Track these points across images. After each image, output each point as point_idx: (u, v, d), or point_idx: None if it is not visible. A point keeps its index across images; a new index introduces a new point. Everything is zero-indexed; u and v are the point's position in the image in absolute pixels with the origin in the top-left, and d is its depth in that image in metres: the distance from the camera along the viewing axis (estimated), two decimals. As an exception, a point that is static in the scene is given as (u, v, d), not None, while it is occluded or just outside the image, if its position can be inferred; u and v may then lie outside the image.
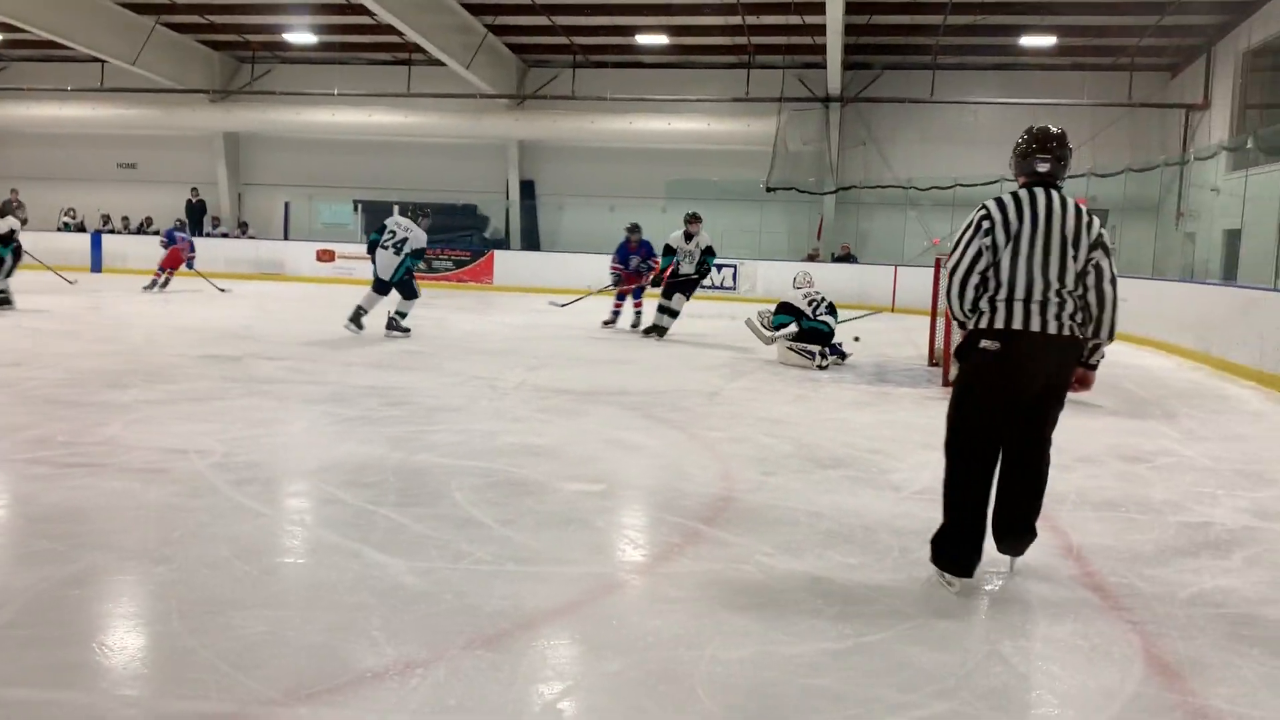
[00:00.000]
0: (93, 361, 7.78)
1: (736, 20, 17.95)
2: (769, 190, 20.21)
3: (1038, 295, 3.22)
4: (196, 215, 23.08)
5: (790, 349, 9.31)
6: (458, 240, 21.36)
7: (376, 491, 4.25)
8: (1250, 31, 15.90)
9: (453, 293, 18.72)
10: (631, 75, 21.63)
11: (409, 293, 10.48)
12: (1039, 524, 3.48)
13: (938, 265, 9.52)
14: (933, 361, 9.58)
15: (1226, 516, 4.40)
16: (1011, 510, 3.41)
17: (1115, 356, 11.14)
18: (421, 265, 9.18)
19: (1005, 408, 3.30)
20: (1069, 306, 3.24)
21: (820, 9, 15.78)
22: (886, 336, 12.04)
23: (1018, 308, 3.22)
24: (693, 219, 11.60)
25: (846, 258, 19.82)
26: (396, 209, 10.68)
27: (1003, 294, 3.25)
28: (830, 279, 18.58)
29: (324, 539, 3.65)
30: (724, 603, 3.11)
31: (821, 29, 16.89)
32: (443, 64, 19.31)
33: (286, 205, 23.50)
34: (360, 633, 2.77)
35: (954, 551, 3.33)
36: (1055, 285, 3.23)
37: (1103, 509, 4.45)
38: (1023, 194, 3.34)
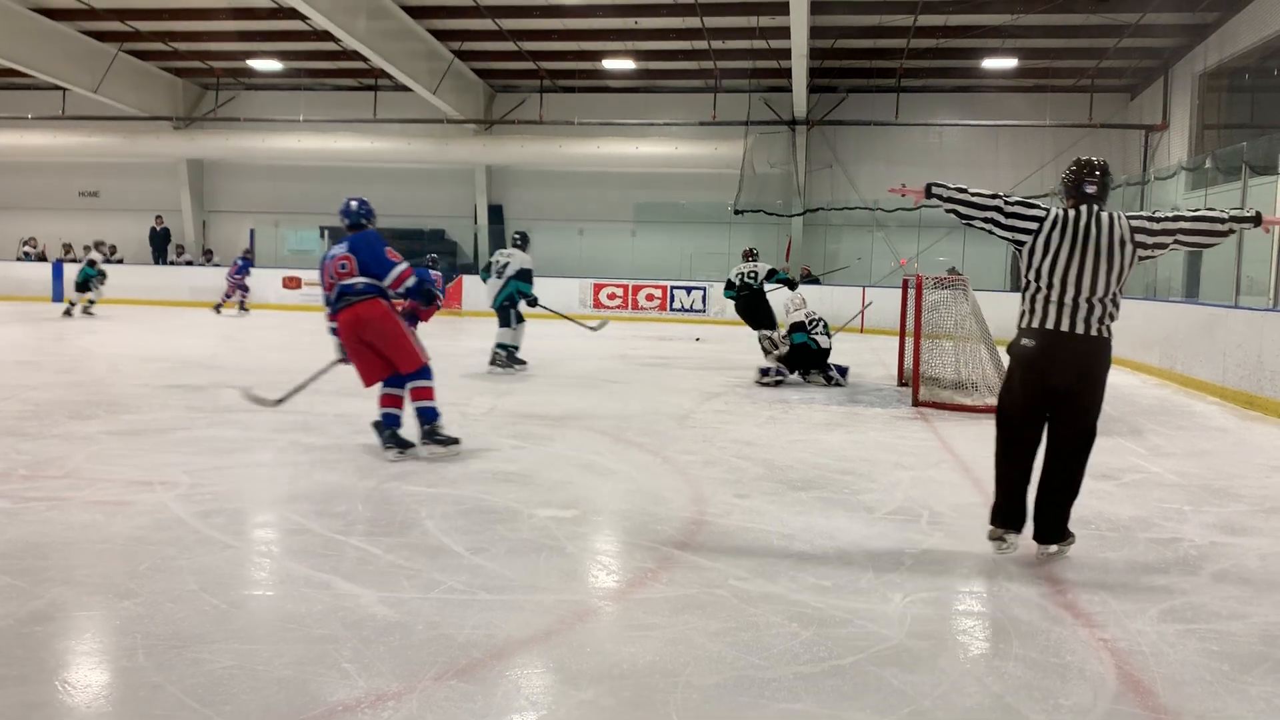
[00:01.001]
0: (55, 392, 7.66)
1: (702, 45, 18.10)
2: (737, 213, 20.33)
3: (1069, 301, 3.77)
4: (160, 243, 22.88)
5: (766, 348, 9.80)
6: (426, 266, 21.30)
7: (346, 521, 4.20)
8: (1206, 54, 16.23)
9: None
10: (599, 100, 21.74)
11: (505, 320, 10.19)
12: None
13: (905, 286, 9.61)
14: (902, 382, 9.63)
15: (1194, 532, 4.44)
16: (1046, 498, 3.93)
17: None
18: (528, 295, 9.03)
19: (1042, 395, 3.89)
20: (1098, 311, 3.79)
21: (785, 33, 15.96)
22: (856, 357, 12.09)
23: (1052, 310, 3.79)
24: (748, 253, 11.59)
25: (808, 279, 19.97)
26: (515, 238, 10.67)
27: (1041, 297, 3.82)
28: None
29: (293, 570, 3.60)
30: (698, 628, 3.10)
31: (787, 53, 17.07)
32: (409, 89, 19.31)
33: (252, 232, 23.35)
34: (331, 665, 2.73)
35: (1003, 514, 3.94)
36: (1086, 294, 3.77)
37: (1074, 526, 4.46)
38: (1070, 214, 3.89)
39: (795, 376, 9.67)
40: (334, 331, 5.81)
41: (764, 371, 9.59)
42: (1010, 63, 18.36)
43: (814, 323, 9.71)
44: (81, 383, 8.29)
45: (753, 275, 10.94)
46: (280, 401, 6.09)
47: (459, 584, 3.44)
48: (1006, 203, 3.94)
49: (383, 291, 5.67)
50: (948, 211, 4.08)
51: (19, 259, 22.24)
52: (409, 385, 5.77)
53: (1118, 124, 19.61)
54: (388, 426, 5.75)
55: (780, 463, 5.75)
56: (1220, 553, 4.13)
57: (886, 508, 4.73)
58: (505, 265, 10.28)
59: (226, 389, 8.09)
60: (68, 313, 16.13)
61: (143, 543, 3.81)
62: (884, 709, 2.58)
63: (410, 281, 5.72)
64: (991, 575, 3.77)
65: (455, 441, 5.72)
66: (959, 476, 5.50)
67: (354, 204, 5.98)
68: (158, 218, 23.00)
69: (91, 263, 16.75)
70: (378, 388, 5.84)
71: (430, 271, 8.08)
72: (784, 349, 9.71)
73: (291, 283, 20.60)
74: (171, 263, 22.56)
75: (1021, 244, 3.90)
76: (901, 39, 17.45)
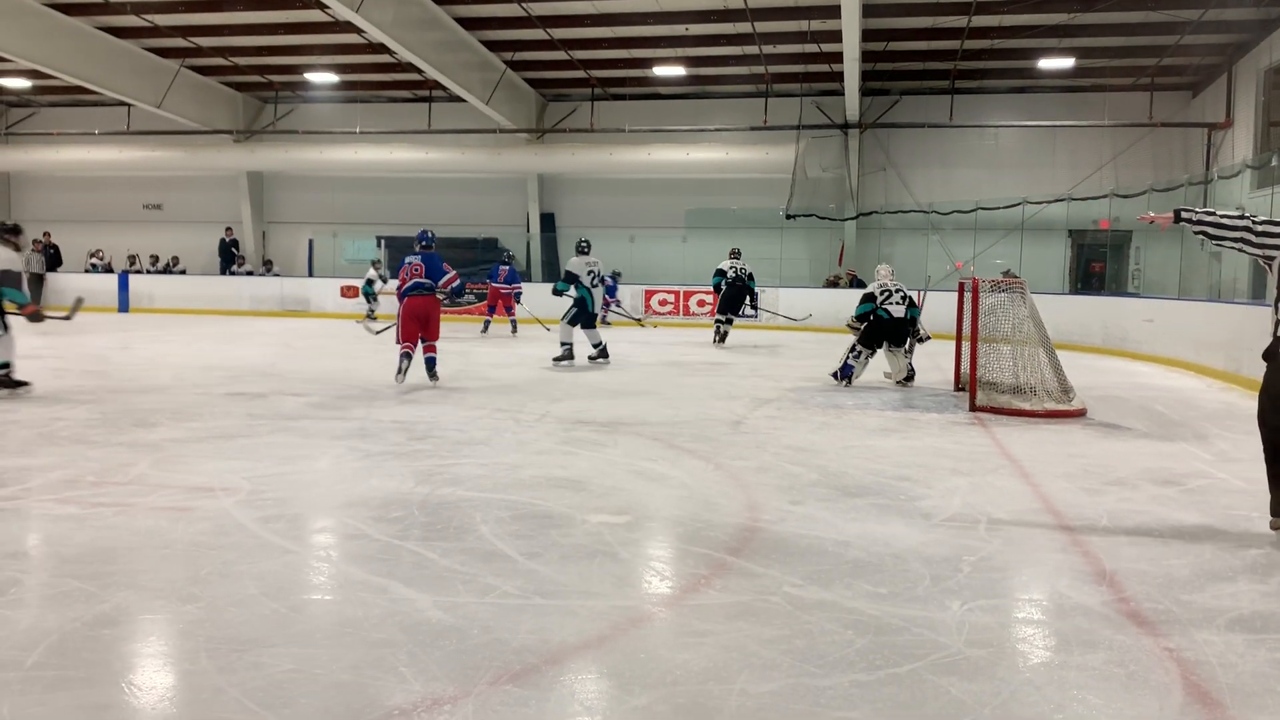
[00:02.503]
0: (120, 401, 7.85)
1: (753, 50, 18.06)
2: (789, 217, 20.23)
3: None
4: (228, 254, 23.38)
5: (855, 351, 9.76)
6: (480, 274, 21.48)
7: (402, 526, 4.25)
8: (1271, 49, 15.83)
9: (475, 325, 18.78)
10: (649, 106, 21.78)
11: (593, 321, 11.45)
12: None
13: (961, 290, 9.49)
14: (958, 386, 9.51)
15: (1263, 540, 4.32)
16: None
17: (1145, 379, 11.09)
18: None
19: None
20: None
21: (837, 37, 15.86)
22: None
23: None
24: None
25: (854, 282, 19.82)
26: (581, 244, 11.68)
27: None
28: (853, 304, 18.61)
29: (350, 575, 3.65)
30: (752, 635, 3.08)
31: (838, 56, 16.97)
32: (462, 100, 19.52)
33: (310, 242, 23.73)
34: (388, 669, 2.76)
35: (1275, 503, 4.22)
36: None
37: (1136, 533, 4.39)
38: None
39: (878, 357, 9.83)
40: (400, 300, 9.32)
41: (835, 374, 9.71)
42: (1067, 62, 18.06)
43: (887, 293, 9.72)
44: (146, 390, 8.48)
45: (746, 273, 14.42)
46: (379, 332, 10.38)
47: (513, 589, 3.46)
48: (1255, 222, 4.19)
49: (435, 289, 9.34)
50: (1196, 234, 4.31)
51: (87, 270, 22.85)
52: (428, 343, 9.31)
53: (1180, 122, 19.19)
54: (429, 366, 9.28)
55: (834, 468, 5.70)
56: (1291, 561, 4.01)
57: (943, 514, 4.67)
58: (599, 273, 11.46)
59: (287, 397, 8.24)
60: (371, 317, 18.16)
61: (205, 548, 3.89)
62: (942, 718, 2.54)
63: (455, 284, 9.44)
64: (1052, 583, 3.70)
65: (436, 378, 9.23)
66: (1017, 483, 5.41)
67: (428, 233, 9.62)
68: (227, 229, 23.50)
69: (370, 281, 18.93)
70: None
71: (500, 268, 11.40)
72: (857, 332, 9.82)
73: (350, 292, 20.88)
74: (233, 273, 23.01)
75: (1272, 259, 4.16)
76: (955, 40, 17.26)
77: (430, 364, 9.22)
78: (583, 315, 11.23)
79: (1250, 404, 8.98)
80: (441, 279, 9.24)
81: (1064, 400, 8.20)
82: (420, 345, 9.22)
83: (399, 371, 9.04)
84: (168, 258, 23.36)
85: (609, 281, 11.41)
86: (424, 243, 9.41)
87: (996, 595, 3.56)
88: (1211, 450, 6.59)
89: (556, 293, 11.32)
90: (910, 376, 9.91)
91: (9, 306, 8.03)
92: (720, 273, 14.66)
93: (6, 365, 8.10)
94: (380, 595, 3.37)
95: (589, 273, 11.28)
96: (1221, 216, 4.24)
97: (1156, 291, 16.97)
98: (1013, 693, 2.71)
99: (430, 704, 2.55)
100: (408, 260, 9.33)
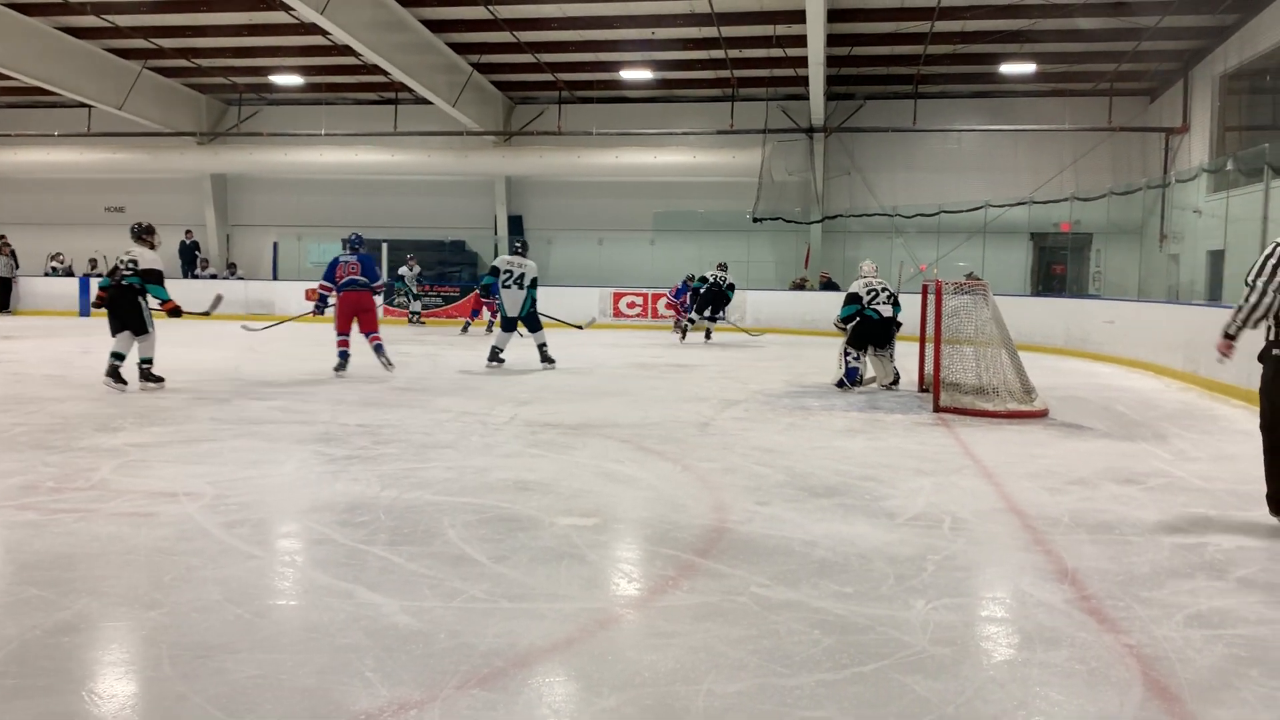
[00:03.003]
0: (81, 405, 7.75)
1: (719, 54, 18.14)
2: (755, 220, 20.34)
3: None
4: (190, 257, 23.10)
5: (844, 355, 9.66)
6: (447, 277, 21.41)
7: (368, 531, 4.22)
8: (1226, 56, 16.12)
9: (443, 328, 18.72)
10: (617, 110, 21.81)
11: (536, 326, 11.02)
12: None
13: (924, 292, 9.57)
14: (923, 388, 9.59)
15: (1220, 537, 4.40)
16: None
17: (1106, 379, 11.24)
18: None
19: None
20: None
21: (802, 42, 15.98)
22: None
23: None
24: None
25: (828, 285, 19.94)
26: (516, 245, 11.35)
27: None
28: (817, 306, 18.74)
29: (316, 580, 3.62)
30: (720, 635, 3.10)
31: (803, 61, 17.09)
32: (429, 102, 19.45)
33: (275, 245, 23.54)
34: (354, 674, 2.75)
35: (1274, 498, 4.53)
36: None
37: (1097, 531, 4.45)
38: None
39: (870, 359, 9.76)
40: (330, 297, 10.47)
41: (840, 383, 9.59)
42: (1028, 67, 18.29)
43: (874, 293, 9.63)
44: (108, 395, 8.37)
45: (726, 283, 16.01)
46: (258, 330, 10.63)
47: (481, 593, 3.45)
48: (1253, 280, 4.47)
49: (370, 287, 10.31)
50: (1256, 324, 4.55)
51: (47, 274, 22.49)
52: (371, 336, 10.25)
53: (1138, 127, 19.49)
54: (379, 353, 10.19)
55: (801, 469, 5.74)
56: (1247, 557, 4.09)
57: (908, 514, 4.71)
58: (522, 275, 10.75)
59: (251, 401, 8.17)
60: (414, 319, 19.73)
61: (168, 553, 3.85)
62: (907, 716, 2.57)
63: (380, 285, 10.53)
64: (1015, 581, 3.75)
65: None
66: (981, 482, 5.47)
67: (359, 236, 10.61)
68: (187, 231, 23.23)
69: (400, 277, 19.72)
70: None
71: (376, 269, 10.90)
72: (845, 333, 9.75)
73: (315, 295, 20.68)
74: (196, 276, 22.76)
75: None
76: (919, 45, 17.43)
77: (379, 350, 10.14)
78: (503, 318, 10.90)
79: (1208, 404, 9.16)
80: (375, 281, 10.37)
81: (1026, 401, 8.30)
82: (366, 339, 10.21)
83: (338, 366, 10.01)
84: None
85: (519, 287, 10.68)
86: (356, 244, 10.40)
87: (960, 594, 3.60)
88: (1170, 450, 6.69)
89: (483, 289, 11.13)
90: (896, 380, 9.83)
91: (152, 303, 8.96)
92: (704, 279, 16.18)
93: (149, 361, 8.87)
94: (346, 600, 3.35)
95: (505, 272, 10.81)
96: (1249, 301, 4.47)
97: (1117, 293, 17.23)
98: (976, 690, 2.74)
99: (396, 709, 2.54)
100: (343, 259, 10.25)
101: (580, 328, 12.55)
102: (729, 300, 16.28)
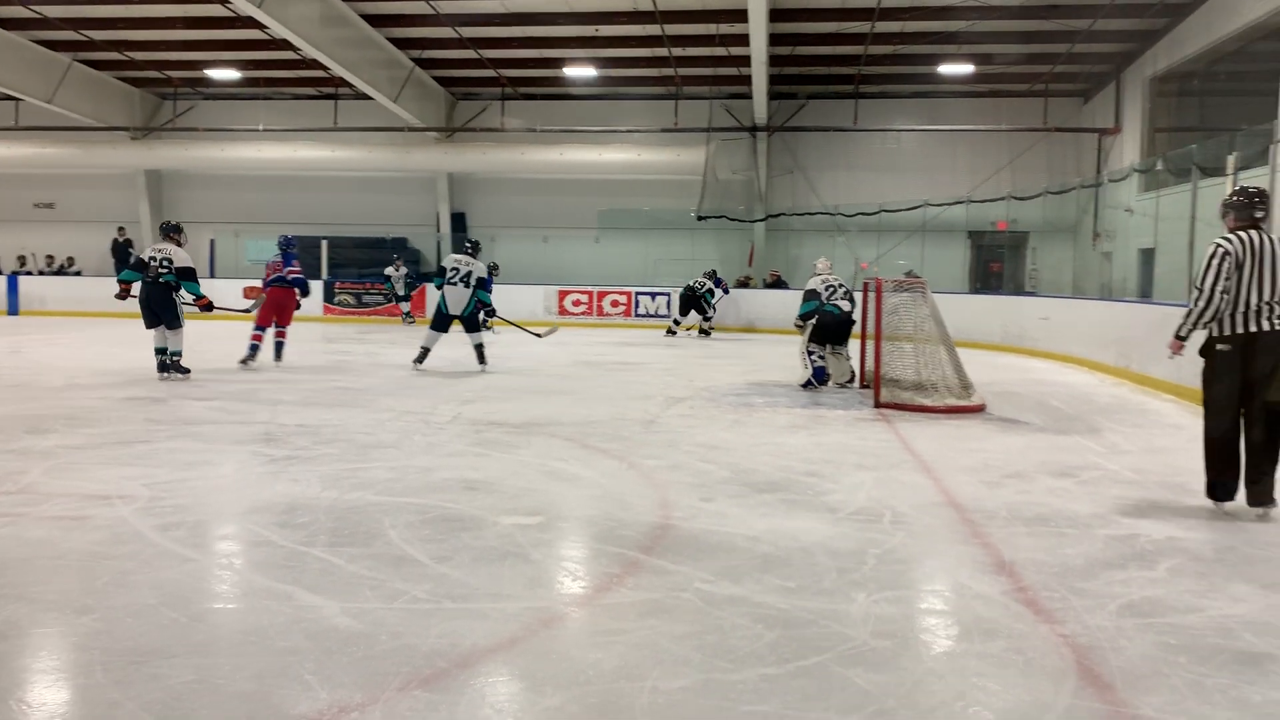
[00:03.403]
0: (10, 407, 7.54)
1: (663, 52, 18.16)
2: (700, 219, 20.40)
3: (1255, 306, 4.62)
4: (123, 255, 22.53)
5: (807, 350, 9.67)
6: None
7: (308, 532, 4.17)
8: (1155, 59, 16.53)
9: (385, 327, 18.53)
10: (561, 107, 21.74)
11: (475, 326, 10.78)
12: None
13: (865, 289, 9.68)
14: (863, 384, 9.70)
15: (1151, 528, 4.51)
16: (1255, 464, 4.72)
17: (1041, 375, 11.47)
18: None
19: (1242, 385, 4.69)
20: (1277, 310, 4.63)
21: (745, 41, 16.06)
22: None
23: (1251, 317, 4.63)
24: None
25: (777, 283, 20.08)
26: (466, 245, 11.13)
27: (1236, 308, 4.65)
28: (764, 304, 18.86)
29: (254, 582, 3.57)
30: (664, 632, 3.11)
31: (747, 60, 17.19)
32: (370, 98, 19.21)
33: (212, 242, 23.06)
34: (293, 677, 2.71)
35: (1212, 485, 4.84)
36: (1268, 298, 4.62)
37: (1033, 524, 4.54)
38: (1244, 235, 4.70)
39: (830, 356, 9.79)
40: (263, 291, 11.02)
41: (807, 384, 9.55)
42: (966, 69, 18.58)
43: (832, 289, 9.64)
44: (38, 396, 8.16)
45: (705, 289, 17.61)
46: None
47: (423, 593, 3.42)
48: (1216, 270, 4.68)
49: (291, 284, 10.97)
50: (1208, 325, 4.78)
51: (-29, 272, 21.84)
52: (280, 329, 10.98)
53: (1072, 128, 19.91)
54: (278, 350, 10.91)
55: (745, 466, 5.78)
56: (1176, 547, 4.20)
57: (849, 508, 4.77)
58: (469, 274, 10.49)
59: (188, 401, 8.01)
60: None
61: (101, 557, 3.76)
62: (849, 709, 2.60)
63: (299, 281, 11.03)
64: (953, 574, 3.81)
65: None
66: (920, 477, 5.55)
67: (285, 238, 11.22)
68: (120, 229, 22.66)
69: (386, 277, 19.34)
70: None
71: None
72: (805, 331, 9.73)
73: (253, 292, 20.34)
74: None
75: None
76: (860, 45, 17.62)
77: (279, 348, 10.94)
78: (436, 316, 10.67)
79: (1140, 398, 9.40)
80: (294, 282, 11.13)
81: (964, 396, 8.44)
82: (272, 331, 10.89)
83: (247, 358, 10.50)
84: (62, 258, 22.47)
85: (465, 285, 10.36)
86: (288, 246, 11.13)
87: (900, 587, 3.65)
88: (1104, 443, 6.85)
89: (436, 285, 10.86)
90: (853, 378, 9.88)
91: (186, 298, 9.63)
92: (689, 286, 17.83)
93: (179, 353, 9.53)
94: (285, 602, 3.30)
95: (452, 269, 10.59)
96: (1199, 302, 4.72)
97: (1052, 290, 17.59)
98: (916, 682, 2.78)
99: (337, 712, 2.51)
100: (274, 258, 11.11)
101: (539, 335, 12.50)
102: (708, 303, 17.71)
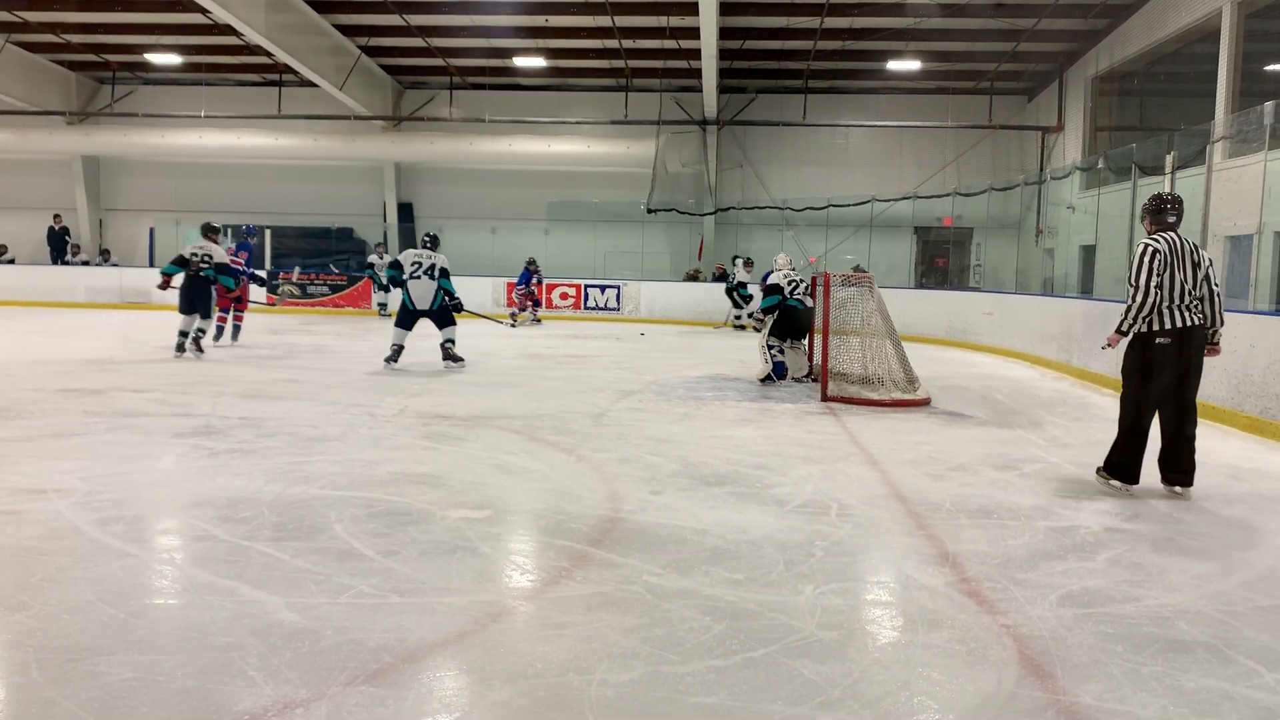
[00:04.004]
0: (-61, 398, 7.32)
1: (613, 44, 18.13)
2: (650, 211, 20.44)
3: (1185, 302, 4.99)
4: (59, 243, 22.02)
5: (767, 346, 9.63)
6: (334, 264, 20.92)
7: (251, 526, 4.10)
8: (1098, 59, 16.86)
9: (330, 318, 18.30)
10: (510, 97, 21.62)
11: (447, 321, 10.38)
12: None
13: (813, 284, 9.75)
14: (811, 377, 9.77)
15: (1091, 520, 4.61)
16: (1174, 448, 5.08)
17: (985, 369, 11.64)
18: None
19: (1173, 376, 5.00)
20: (1199, 306, 5.02)
21: (695, 34, 16.09)
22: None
23: (1180, 312, 4.98)
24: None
25: (722, 277, 20.18)
26: (425, 239, 10.90)
27: (1171, 301, 4.98)
28: (712, 298, 18.92)
29: (196, 578, 3.50)
30: (612, 624, 3.10)
31: (697, 53, 17.23)
32: (315, 85, 18.94)
33: (152, 231, 22.61)
34: (236, 673, 2.66)
35: (1129, 469, 5.15)
36: (1192, 292, 5.00)
37: (976, 516, 4.61)
38: (1166, 237, 5.09)
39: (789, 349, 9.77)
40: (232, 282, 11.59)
41: (767, 379, 9.49)
42: (914, 65, 18.80)
43: (794, 284, 9.64)
44: (-32, 388, 7.93)
45: (737, 282, 17.54)
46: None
47: (369, 588, 3.39)
48: (1149, 269, 5.02)
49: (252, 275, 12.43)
50: (1145, 318, 5.06)
51: (-101, 260, 21.20)
52: (237, 314, 12.21)
53: (1016, 125, 20.25)
54: (220, 331, 12.03)
55: (694, 459, 5.79)
56: (1115, 539, 4.29)
57: (797, 501, 4.81)
58: (433, 265, 10.32)
59: (126, 393, 7.84)
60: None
61: (36, 553, 3.66)
62: (796, 699, 2.62)
63: (233, 271, 11.51)
64: (899, 565, 3.85)
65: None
66: (867, 470, 5.61)
67: (251, 228, 13.05)
68: (55, 216, 22.14)
69: (370, 265, 18.67)
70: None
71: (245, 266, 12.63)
72: (766, 325, 9.71)
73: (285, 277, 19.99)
74: (67, 262, 21.72)
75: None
76: (809, 40, 17.74)
77: (220, 331, 12.02)
78: (402, 312, 10.35)
79: (1081, 392, 9.59)
80: (251, 268, 12.54)
81: (910, 390, 8.55)
82: (234, 313, 12.22)
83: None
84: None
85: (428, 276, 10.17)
86: (250, 236, 12.91)
87: (847, 578, 3.69)
88: (1045, 436, 6.98)
89: (391, 282, 10.69)
90: (811, 372, 9.87)
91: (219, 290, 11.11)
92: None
93: (203, 332, 10.82)
94: (228, 598, 3.24)
95: (413, 263, 10.31)
96: (1137, 299, 5.00)
97: (995, 285, 17.88)
98: (862, 672, 2.81)
99: (281, 708, 2.48)
100: (235, 251, 12.36)
101: (510, 324, 12.66)
102: (741, 295, 17.65)
